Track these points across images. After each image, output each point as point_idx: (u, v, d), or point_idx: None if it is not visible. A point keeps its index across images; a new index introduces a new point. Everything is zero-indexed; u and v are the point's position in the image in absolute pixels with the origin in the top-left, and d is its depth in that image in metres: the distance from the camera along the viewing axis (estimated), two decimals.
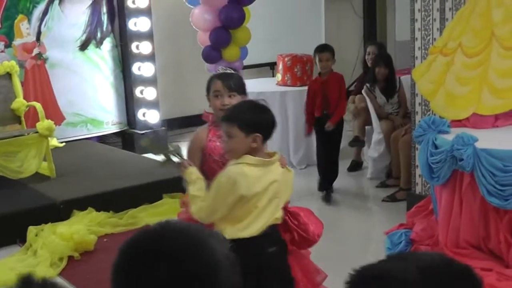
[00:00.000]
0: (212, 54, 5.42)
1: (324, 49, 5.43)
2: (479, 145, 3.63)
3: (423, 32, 4.80)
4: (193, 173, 2.68)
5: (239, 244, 2.51)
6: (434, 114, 4.36)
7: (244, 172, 2.58)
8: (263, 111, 2.66)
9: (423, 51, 4.82)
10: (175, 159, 2.78)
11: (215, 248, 1.14)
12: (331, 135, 5.42)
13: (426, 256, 1.14)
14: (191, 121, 7.96)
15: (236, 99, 2.89)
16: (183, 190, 5.37)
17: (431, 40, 4.73)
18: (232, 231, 2.61)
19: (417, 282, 1.06)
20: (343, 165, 5.90)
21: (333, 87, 5.38)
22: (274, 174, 2.65)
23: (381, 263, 1.14)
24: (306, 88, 6.36)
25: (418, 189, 5.00)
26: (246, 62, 5.55)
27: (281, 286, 2.77)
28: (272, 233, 2.70)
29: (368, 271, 1.12)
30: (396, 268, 1.10)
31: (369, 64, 6.31)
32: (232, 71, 3.01)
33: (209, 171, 2.83)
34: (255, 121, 2.61)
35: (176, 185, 5.48)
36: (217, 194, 2.60)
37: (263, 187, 2.61)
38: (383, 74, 5.82)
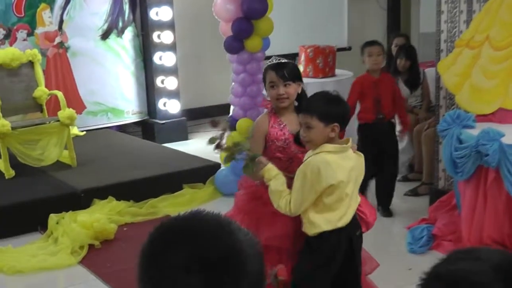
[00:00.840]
0: (234, 44, 5.40)
1: (374, 43, 4.83)
2: (505, 140, 3.60)
3: (449, 24, 4.75)
4: (272, 169, 2.79)
5: (331, 232, 2.75)
6: (459, 108, 4.32)
7: (327, 160, 2.70)
8: (338, 102, 2.80)
9: (448, 43, 4.77)
10: (240, 156, 2.85)
11: (241, 239, 1.15)
12: (387, 145, 4.76)
13: (494, 254, 1.12)
14: (212, 111, 7.98)
15: (292, 88, 2.99)
16: (203, 180, 5.48)
17: (457, 32, 4.68)
18: (330, 222, 2.76)
19: (496, 284, 1.04)
20: None
21: (387, 88, 4.76)
22: (351, 160, 2.78)
23: (452, 265, 1.11)
24: (328, 80, 6.38)
25: (441, 184, 4.96)
26: (267, 53, 5.50)
27: (360, 268, 2.96)
28: (355, 217, 2.86)
29: (444, 276, 1.10)
30: (472, 270, 1.07)
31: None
32: (286, 61, 3.08)
33: (271, 157, 2.93)
34: (333, 111, 2.74)
35: (196, 176, 5.54)
36: (303, 185, 2.71)
37: (346, 174, 2.74)
38: (404, 65, 5.77)
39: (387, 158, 4.77)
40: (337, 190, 2.73)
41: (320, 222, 2.78)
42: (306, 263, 2.85)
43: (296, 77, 3.02)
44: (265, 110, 3.15)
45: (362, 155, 2.87)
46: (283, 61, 3.06)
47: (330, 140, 2.74)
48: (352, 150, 2.83)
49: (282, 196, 2.76)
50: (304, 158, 2.80)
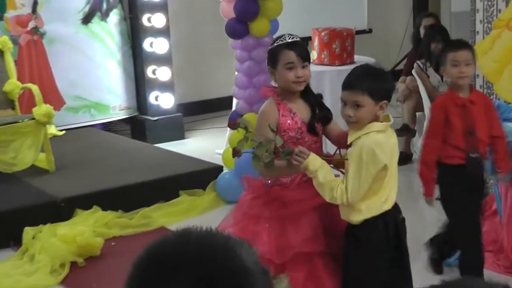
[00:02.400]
0: (237, 27, 5.38)
1: (462, 46, 3.74)
2: None
3: (485, 2, 4.73)
4: (316, 159, 2.86)
5: (377, 218, 2.90)
6: (499, 99, 4.29)
7: (379, 141, 2.86)
8: (387, 76, 3.00)
9: (485, 24, 4.75)
10: (264, 152, 2.85)
11: (244, 256, 1.14)
12: (479, 191, 3.84)
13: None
14: (211, 106, 7.98)
15: (307, 70, 3.11)
16: (203, 185, 5.47)
17: (495, 12, 4.66)
18: (375, 206, 2.91)
19: None
20: None
21: (482, 113, 3.70)
22: (392, 137, 2.97)
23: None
24: (346, 68, 6.35)
25: None
26: (278, 35, 5.51)
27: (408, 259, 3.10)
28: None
29: None
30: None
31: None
32: (298, 38, 3.18)
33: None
34: (384, 87, 2.90)
35: (194, 180, 5.52)
36: (359, 170, 2.82)
37: (392, 153, 2.92)
38: (440, 49, 5.75)
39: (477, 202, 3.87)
40: (386, 171, 2.87)
41: (367, 208, 2.90)
42: (354, 259, 2.94)
43: (309, 57, 3.16)
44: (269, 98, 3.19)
45: (393, 130, 3.04)
46: (296, 39, 3.14)
47: (376, 119, 2.89)
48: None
49: (335, 186, 2.84)
50: (349, 140, 2.91)
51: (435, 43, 5.78)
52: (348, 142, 2.91)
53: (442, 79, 5.84)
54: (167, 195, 5.34)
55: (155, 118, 7.29)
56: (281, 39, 3.13)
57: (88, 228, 4.69)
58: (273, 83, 3.31)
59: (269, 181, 3.13)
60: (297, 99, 3.15)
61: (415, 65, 5.95)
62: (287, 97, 3.13)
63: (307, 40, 7.56)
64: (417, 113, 6.12)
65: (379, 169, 2.84)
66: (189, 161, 5.95)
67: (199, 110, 7.97)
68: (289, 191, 3.10)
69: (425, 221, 4.97)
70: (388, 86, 2.95)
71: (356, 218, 2.92)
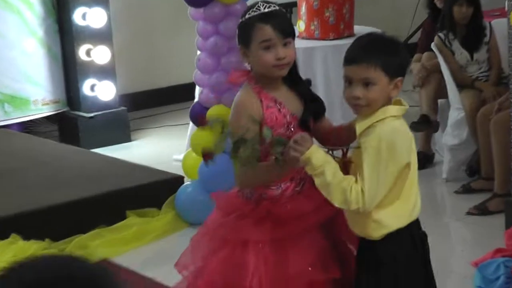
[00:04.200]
0: None
1: None
2: None
3: None
4: (319, 151, 2.86)
5: (401, 230, 2.92)
6: None
7: (399, 129, 2.92)
8: (400, 46, 3.06)
9: None
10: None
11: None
12: None
13: None
14: (166, 97, 7.97)
15: (291, 48, 3.11)
16: (157, 203, 5.47)
17: None
18: (401, 214, 2.93)
19: None
20: None
21: None
22: (407, 126, 3.02)
23: None
24: (343, 42, 6.37)
25: None
26: (251, 3, 5.51)
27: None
28: None
29: None
30: None
31: (438, 4, 6.31)
32: (277, 7, 3.15)
33: (268, 154, 3.01)
34: (399, 60, 2.96)
35: (146, 196, 5.52)
36: (376, 167, 2.84)
37: (412, 147, 2.98)
38: (466, 15, 5.80)
39: None
40: (409, 168, 2.91)
41: (389, 218, 2.91)
42: (375, 286, 2.95)
43: (293, 31, 3.17)
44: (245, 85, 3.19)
45: None
46: (274, 8, 3.13)
47: (389, 102, 2.93)
48: None
49: (347, 186, 2.83)
50: (358, 130, 2.92)
51: (458, 7, 5.81)
52: (358, 133, 2.92)
53: (471, 58, 5.88)
54: (109, 217, 5.33)
55: (91, 115, 7.28)
56: (254, 9, 3.12)
57: (4, 264, 4.67)
58: (247, 66, 3.30)
59: (251, 195, 3.12)
60: (280, 86, 3.16)
61: (435, 38, 5.98)
62: (266, 84, 3.14)
63: (291, 7, 7.62)
64: (439, 101, 6.16)
65: (402, 167, 2.88)
66: (137, 171, 5.95)
67: (150, 103, 7.98)
68: (282, 205, 3.09)
69: (451, 241, 5.01)
70: (403, 58, 3.00)
71: (377, 231, 2.92)
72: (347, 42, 6.36)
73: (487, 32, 5.91)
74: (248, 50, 3.12)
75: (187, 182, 5.58)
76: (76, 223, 5.23)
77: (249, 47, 3.11)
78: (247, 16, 3.13)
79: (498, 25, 5.85)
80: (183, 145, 6.36)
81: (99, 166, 6.08)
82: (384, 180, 2.84)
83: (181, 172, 5.68)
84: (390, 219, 2.91)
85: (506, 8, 4.97)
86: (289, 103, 3.13)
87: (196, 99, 5.86)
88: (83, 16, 7.26)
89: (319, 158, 2.83)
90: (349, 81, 2.92)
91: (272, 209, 3.07)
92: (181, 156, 5.92)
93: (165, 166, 6.10)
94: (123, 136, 7.34)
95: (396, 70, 2.91)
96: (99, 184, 5.63)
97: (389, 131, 2.87)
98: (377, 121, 2.89)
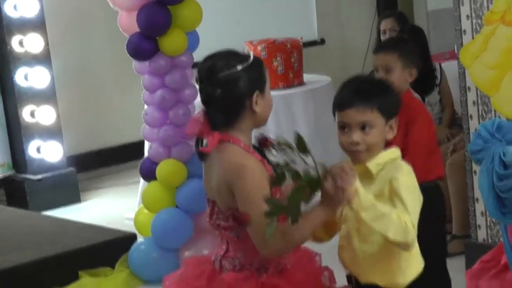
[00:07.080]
0: (143, 45, 5.37)
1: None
2: None
3: None
4: (367, 193, 2.76)
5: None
6: (499, 116, 4.38)
7: (412, 172, 2.93)
8: (391, 86, 3.08)
9: (474, 20, 4.86)
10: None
11: None
12: None
13: None
14: (114, 156, 7.94)
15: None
16: (110, 262, 5.42)
17: (485, 3, 4.78)
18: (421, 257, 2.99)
19: None
20: None
21: None
22: None
23: None
24: (293, 91, 6.42)
25: (481, 235, 5.02)
26: (197, 55, 5.49)
27: None
28: None
29: None
30: None
31: None
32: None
33: None
34: (394, 100, 2.98)
35: (99, 256, 5.48)
36: (412, 202, 2.84)
37: None
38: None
39: None
40: None
41: (413, 261, 2.93)
42: None
43: None
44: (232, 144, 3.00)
45: None
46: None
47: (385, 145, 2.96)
48: None
49: (395, 215, 2.75)
50: (374, 171, 2.89)
51: None
52: (375, 174, 2.91)
53: (423, 100, 5.94)
54: (61, 278, 5.26)
55: (39, 177, 7.25)
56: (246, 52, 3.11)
57: None
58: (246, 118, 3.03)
59: (255, 265, 2.97)
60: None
61: None
62: (248, 141, 3.02)
63: None
64: None
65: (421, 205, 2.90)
66: (89, 231, 5.90)
67: (98, 163, 7.94)
68: (290, 275, 3.00)
69: None
70: (396, 99, 3.01)
71: (404, 277, 2.91)
72: (298, 90, 6.47)
73: (437, 74, 5.98)
74: (262, 94, 3.00)
75: (140, 239, 5.55)
76: (28, 287, 5.17)
77: (264, 91, 3.00)
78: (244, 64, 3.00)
79: (449, 67, 5.91)
80: (134, 204, 6.33)
81: (49, 228, 6.03)
82: (416, 214, 2.86)
83: (133, 230, 5.65)
84: (416, 260, 2.97)
85: (456, 51, 5.02)
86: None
87: (146, 155, 5.84)
88: (25, 77, 7.24)
89: (367, 199, 2.74)
90: (344, 126, 2.88)
91: (281, 284, 2.95)
92: (132, 215, 5.89)
93: (117, 226, 6.07)
94: (73, 197, 7.30)
95: (391, 111, 2.93)
96: (50, 246, 5.57)
97: (407, 174, 2.90)
98: (386, 163, 2.92)
